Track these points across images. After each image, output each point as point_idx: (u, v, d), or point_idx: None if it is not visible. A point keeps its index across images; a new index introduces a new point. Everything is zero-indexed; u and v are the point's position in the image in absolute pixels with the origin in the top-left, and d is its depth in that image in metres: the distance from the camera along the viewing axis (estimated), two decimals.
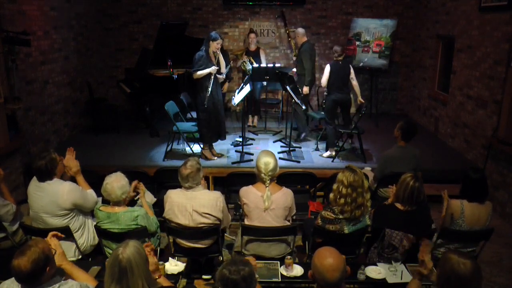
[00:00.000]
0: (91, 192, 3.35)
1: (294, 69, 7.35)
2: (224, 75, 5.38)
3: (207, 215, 3.15)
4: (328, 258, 2.01)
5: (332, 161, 5.50)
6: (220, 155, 5.59)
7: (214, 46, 5.02)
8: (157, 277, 2.33)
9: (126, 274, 1.93)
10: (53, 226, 3.12)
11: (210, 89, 5.04)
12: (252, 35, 6.99)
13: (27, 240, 3.27)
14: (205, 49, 5.07)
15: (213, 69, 5.00)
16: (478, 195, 3.20)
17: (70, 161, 3.38)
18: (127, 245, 2.00)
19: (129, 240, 2.05)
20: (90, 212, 3.36)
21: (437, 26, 7.00)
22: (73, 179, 3.39)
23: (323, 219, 3.09)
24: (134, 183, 3.40)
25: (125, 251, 1.96)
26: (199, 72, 5.05)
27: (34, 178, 3.21)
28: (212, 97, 5.11)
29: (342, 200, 2.97)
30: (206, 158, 5.43)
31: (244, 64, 6.92)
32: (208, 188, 3.87)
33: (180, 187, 3.25)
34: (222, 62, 5.23)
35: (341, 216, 3.03)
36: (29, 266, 1.95)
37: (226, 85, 6.69)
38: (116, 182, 2.97)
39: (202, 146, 5.55)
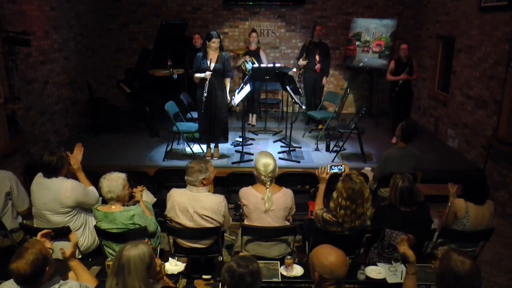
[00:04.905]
0: (92, 189, 3.36)
1: (294, 69, 7.39)
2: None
3: (207, 218, 3.14)
4: (333, 255, 2.03)
5: (332, 161, 5.50)
6: (211, 157, 5.53)
7: (210, 45, 5.00)
8: (159, 277, 2.33)
9: (123, 272, 1.96)
10: (55, 223, 3.13)
11: (205, 93, 5.02)
12: (254, 34, 6.97)
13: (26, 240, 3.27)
14: (203, 49, 5.08)
15: (206, 74, 4.98)
16: (480, 196, 3.20)
17: (75, 157, 3.38)
18: (136, 246, 2.02)
19: (142, 243, 2.06)
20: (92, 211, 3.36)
21: (437, 26, 7.00)
22: (74, 176, 3.40)
23: (324, 221, 3.09)
24: (139, 189, 3.40)
25: (130, 250, 1.98)
26: (196, 75, 5.09)
27: (38, 175, 3.22)
28: (207, 100, 5.07)
29: (342, 212, 2.96)
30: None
31: (245, 63, 6.92)
32: None
33: (182, 186, 3.25)
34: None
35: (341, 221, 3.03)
36: (28, 269, 1.95)
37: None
38: (109, 181, 2.97)
39: None
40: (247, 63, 6.85)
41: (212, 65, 5.01)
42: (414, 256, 2.47)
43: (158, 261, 2.38)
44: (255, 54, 6.91)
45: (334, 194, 3.03)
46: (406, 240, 2.55)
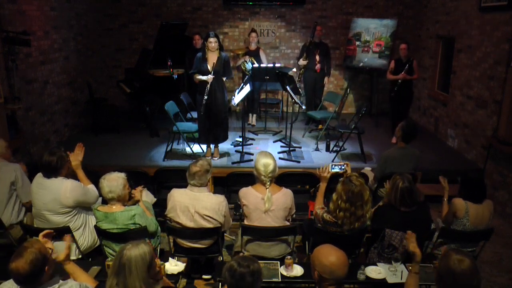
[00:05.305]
0: (92, 187, 3.36)
1: (294, 69, 7.39)
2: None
3: (208, 218, 3.14)
4: (333, 255, 2.04)
5: (332, 161, 5.50)
6: (211, 157, 5.53)
7: (208, 45, 5.01)
8: (159, 277, 2.32)
9: (123, 271, 1.96)
10: (55, 223, 3.13)
11: (206, 96, 5.03)
12: (253, 34, 6.96)
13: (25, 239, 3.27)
14: (203, 50, 5.09)
15: (208, 77, 4.99)
16: (478, 195, 3.20)
17: (76, 156, 3.40)
18: (137, 245, 2.02)
19: (143, 242, 2.06)
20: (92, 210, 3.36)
21: (437, 26, 7.00)
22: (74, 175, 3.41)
23: (324, 221, 3.09)
24: (139, 188, 3.40)
25: (131, 250, 1.98)
26: (198, 77, 5.10)
27: (38, 175, 3.23)
28: (208, 101, 5.09)
29: (341, 214, 2.97)
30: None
31: (244, 64, 6.92)
32: None
33: (183, 186, 3.25)
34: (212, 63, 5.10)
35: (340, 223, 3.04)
36: (28, 268, 1.94)
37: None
38: (109, 181, 2.96)
39: None
40: (247, 63, 6.85)
41: (213, 69, 5.03)
42: (421, 255, 2.49)
43: (157, 261, 2.38)
44: (255, 54, 6.90)
45: (334, 196, 3.02)
46: (414, 237, 2.57)
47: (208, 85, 5.01)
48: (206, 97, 5.03)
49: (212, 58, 5.02)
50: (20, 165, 3.60)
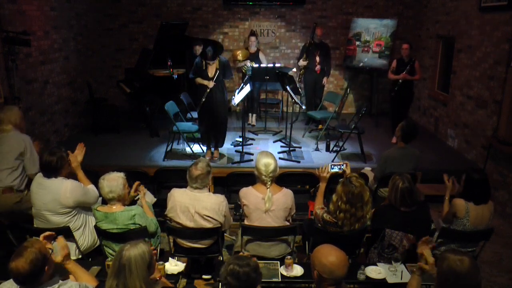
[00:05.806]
0: (92, 188, 3.36)
1: (294, 69, 7.38)
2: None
3: (209, 218, 3.14)
4: (333, 255, 2.04)
5: (332, 161, 5.50)
6: (211, 157, 5.53)
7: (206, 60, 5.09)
8: (157, 278, 2.33)
9: (124, 272, 1.96)
10: (54, 223, 3.13)
11: (203, 99, 5.08)
12: (253, 38, 6.98)
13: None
14: (200, 58, 5.13)
15: (210, 83, 5.03)
16: (482, 196, 3.19)
17: (76, 156, 3.42)
18: (135, 245, 2.02)
19: (141, 242, 2.06)
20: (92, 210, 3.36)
21: (437, 26, 7.00)
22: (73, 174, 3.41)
23: (324, 221, 3.09)
24: (136, 184, 3.40)
25: (130, 250, 1.98)
26: (200, 81, 5.15)
27: (38, 175, 3.24)
28: (207, 104, 5.12)
29: (341, 215, 2.97)
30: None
31: (245, 66, 6.92)
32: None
33: (183, 186, 3.25)
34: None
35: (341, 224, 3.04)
36: (28, 267, 1.94)
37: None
38: (109, 181, 2.96)
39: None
40: (248, 67, 6.85)
41: (214, 77, 5.07)
42: (433, 260, 2.39)
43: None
44: (255, 57, 6.91)
45: (334, 197, 3.03)
46: (427, 242, 2.49)
47: (208, 89, 5.04)
48: (203, 99, 5.06)
49: (212, 66, 5.09)
50: (35, 143, 3.77)
